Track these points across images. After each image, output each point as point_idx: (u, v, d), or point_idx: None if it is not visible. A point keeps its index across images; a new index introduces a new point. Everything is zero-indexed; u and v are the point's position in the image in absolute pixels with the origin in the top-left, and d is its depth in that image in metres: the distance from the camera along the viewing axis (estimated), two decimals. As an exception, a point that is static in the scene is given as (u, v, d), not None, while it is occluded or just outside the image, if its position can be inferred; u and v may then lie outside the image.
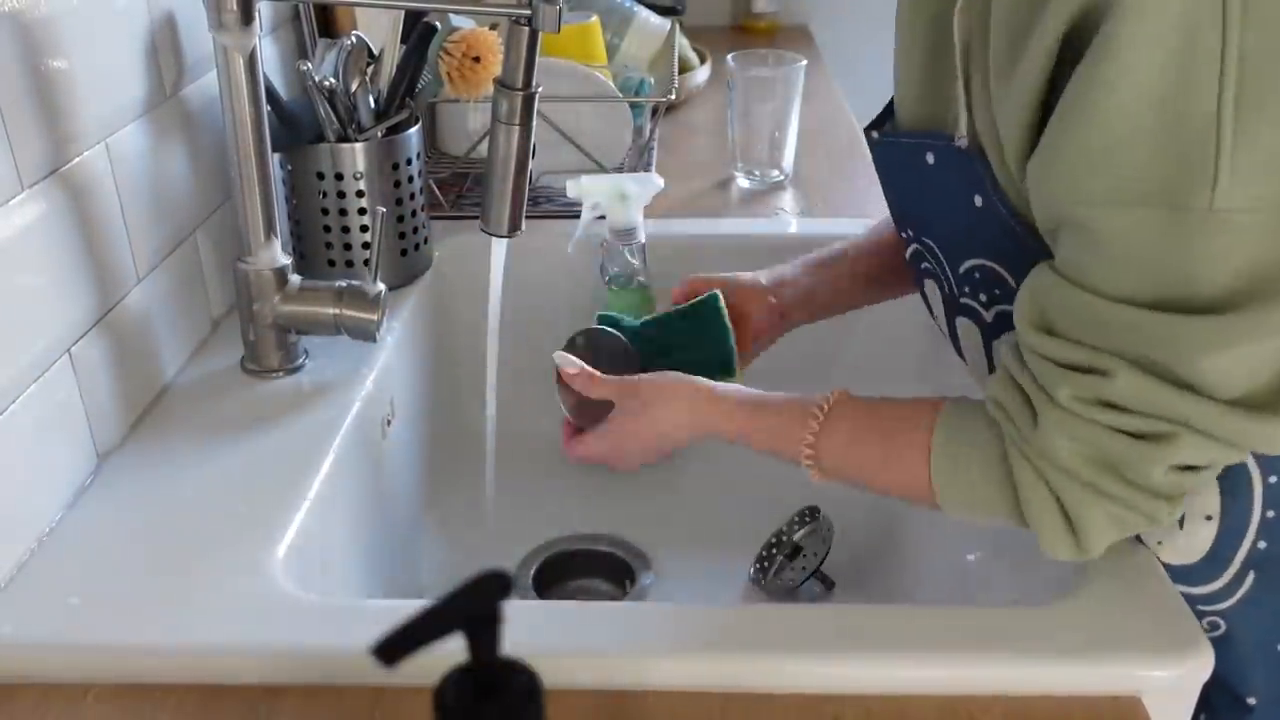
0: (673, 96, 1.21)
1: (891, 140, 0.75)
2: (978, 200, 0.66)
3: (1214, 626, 0.69)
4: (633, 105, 1.27)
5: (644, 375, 0.82)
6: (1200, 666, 0.61)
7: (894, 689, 0.60)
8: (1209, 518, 0.66)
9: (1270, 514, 0.66)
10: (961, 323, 0.76)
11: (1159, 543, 0.68)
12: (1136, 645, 0.61)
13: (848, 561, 0.98)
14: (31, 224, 0.68)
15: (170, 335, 0.86)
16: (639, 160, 1.25)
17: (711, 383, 0.79)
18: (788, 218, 1.18)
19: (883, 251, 0.90)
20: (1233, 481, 0.65)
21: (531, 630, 0.61)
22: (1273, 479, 0.65)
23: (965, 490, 0.65)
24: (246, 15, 0.75)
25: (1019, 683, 0.60)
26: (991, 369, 0.72)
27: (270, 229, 0.83)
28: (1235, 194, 0.51)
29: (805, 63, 1.24)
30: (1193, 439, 0.57)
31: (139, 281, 0.81)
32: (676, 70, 1.34)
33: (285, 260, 0.84)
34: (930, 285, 0.78)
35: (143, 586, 0.65)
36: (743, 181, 1.27)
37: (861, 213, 1.17)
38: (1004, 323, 0.69)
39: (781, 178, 1.26)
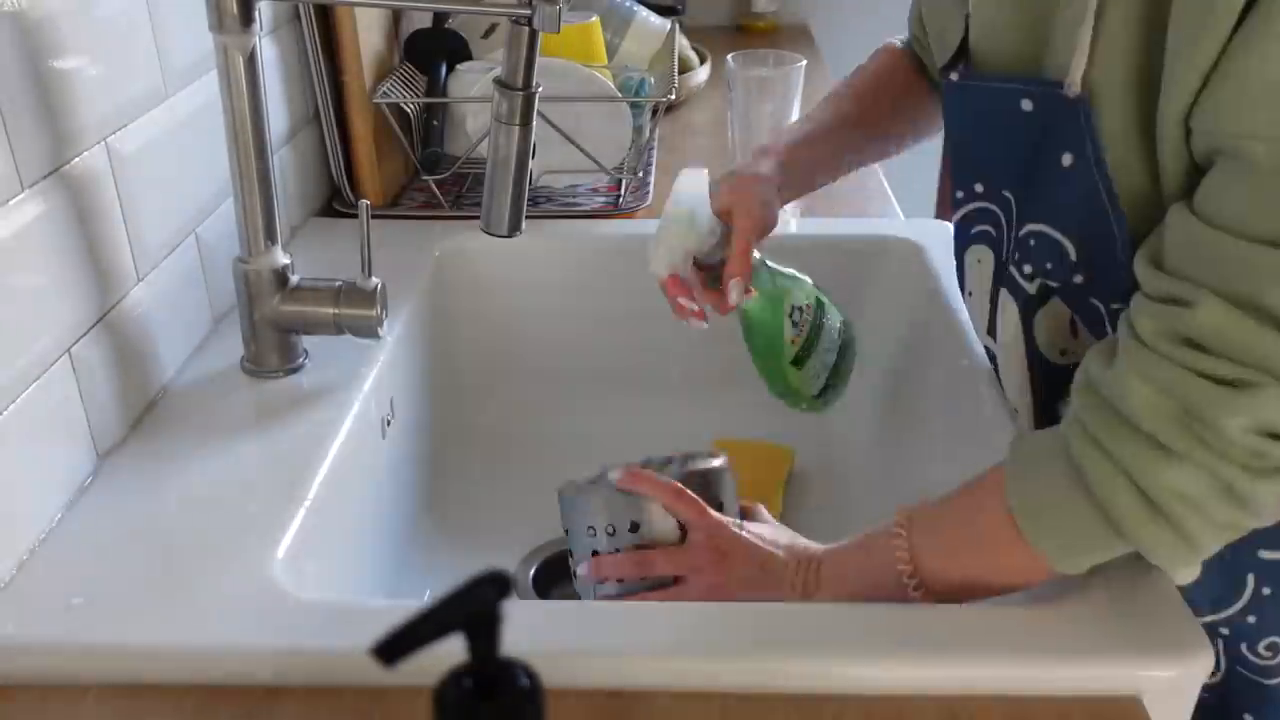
0: (673, 96, 1.21)
1: (979, 84, 0.69)
2: (1066, 159, 0.62)
3: None
4: (633, 105, 1.27)
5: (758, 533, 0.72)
6: (1200, 667, 0.61)
7: (894, 689, 0.60)
8: None
9: None
10: (1003, 295, 0.72)
11: None
12: (1136, 645, 0.61)
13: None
14: (31, 224, 0.68)
15: (170, 335, 0.86)
16: (639, 160, 1.25)
17: (803, 553, 0.70)
18: (787, 218, 1.18)
19: (869, 117, 0.89)
20: None
21: (531, 630, 0.61)
22: None
23: (1059, 531, 0.59)
24: (246, 15, 0.75)
25: (1019, 683, 0.60)
26: (1030, 345, 0.70)
27: (270, 229, 0.83)
28: None
29: (805, 63, 1.24)
30: (1276, 393, 0.51)
31: (139, 281, 0.81)
32: (676, 70, 1.34)
33: (285, 260, 0.84)
34: (980, 252, 0.74)
35: (143, 586, 0.65)
36: (743, 181, 1.26)
37: (861, 212, 1.17)
38: (1046, 296, 0.66)
39: (781, 178, 1.26)
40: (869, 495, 1.04)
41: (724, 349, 0.94)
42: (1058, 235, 0.65)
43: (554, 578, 0.98)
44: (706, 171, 0.84)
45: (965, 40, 0.71)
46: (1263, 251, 0.51)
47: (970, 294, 0.77)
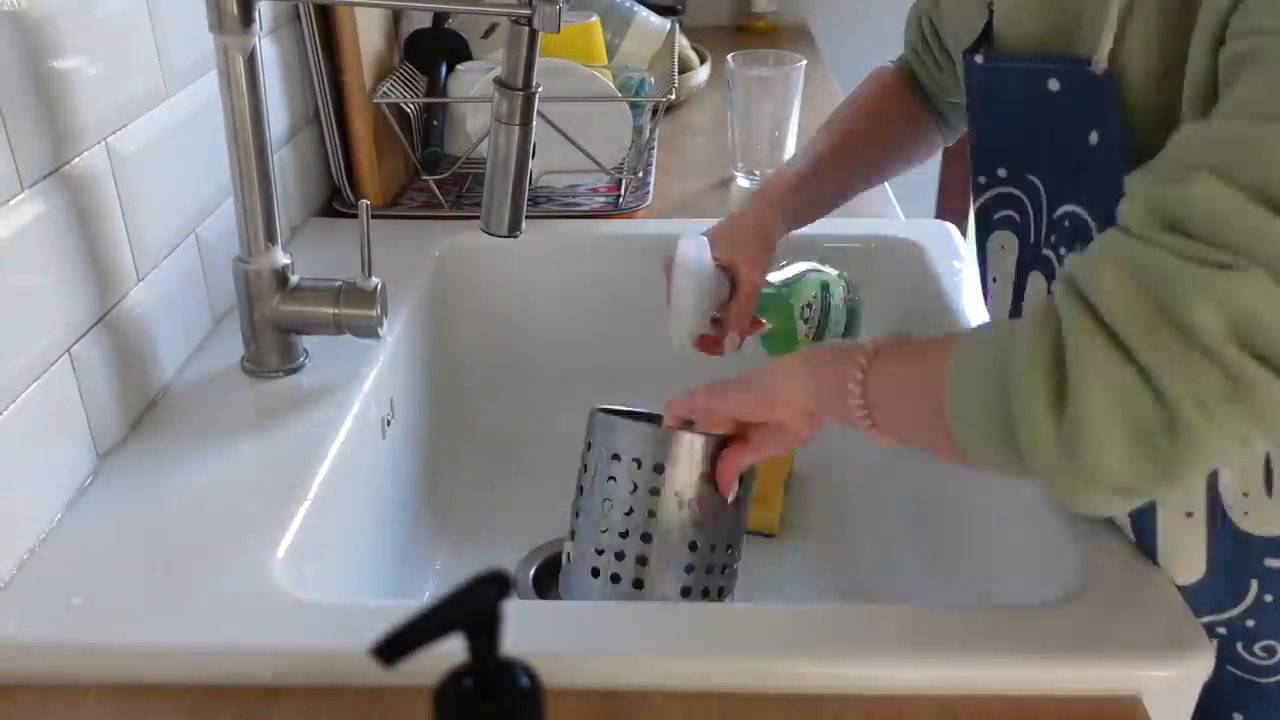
0: (673, 96, 1.21)
1: (1004, 65, 0.68)
2: (1093, 136, 0.61)
3: None
4: (633, 105, 1.27)
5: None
6: (1200, 666, 0.61)
7: (894, 689, 0.60)
8: None
9: None
10: (1033, 280, 0.70)
11: (1245, 514, 0.62)
12: (1136, 645, 0.61)
13: (851, 562, 0.98)
14: (31, 224, 0.68)
15: (170, 335, 0.86)
16: (639, 160, 1.25)
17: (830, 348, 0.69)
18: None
19: (866, 149, 0.90)
20: None
21: (531, 630, 0.61)
22: None
23: (974, 419, 0.54)
24: (246, 15, 0.75)
25: (1019, 683, 0.60)
26: None
27: (270, 229, 0.83)
28: None
29: (805, 63, 1.24)
30: (1260, 280, 0.45)
31: (139, 281, 0.81)
32: (676, 70, 1.34)
33: (285, 260, 0.84)
34: (1003, 238, 0.73)
35: (143, 586, 0.65)
36: (743, 181, 1.27)
37: (861, 213, 1.17)
38: None
39: (781, 178, 1.26)
40: (868, 495, 1.04)
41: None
42: (1087, 214, 0.65)
43: (554, 578, 0.98)
44: (704, 240, 0.86)
45: (988, 29, 0.70)
46: (1275, 130, 0.46)
47: (994, 280, 0.76)
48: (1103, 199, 0.62)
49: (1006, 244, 0.74)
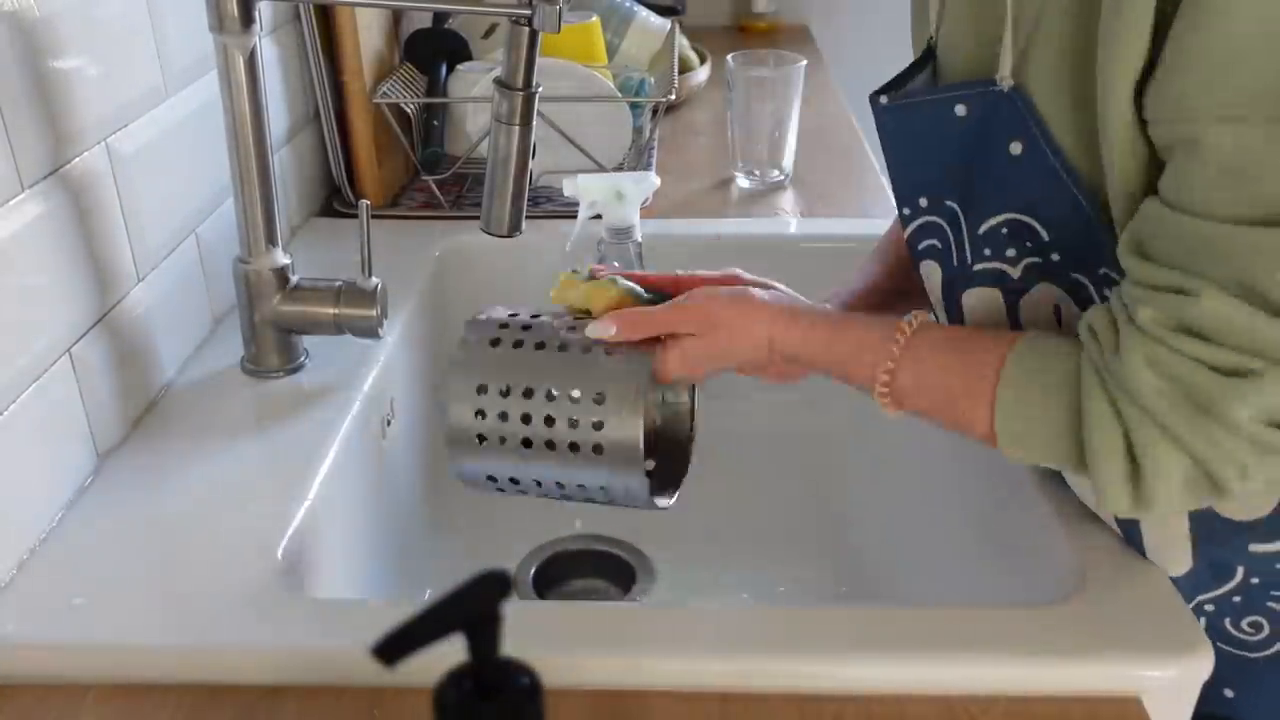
0: (673, 96, 1.21)
1: (910, 101, 0.71)
2: (1015, 148, 0.63)
3: None
4: (633, 105, 1.27)
5: (716, 292, 0.73)
6: (1200, 666, 0.61)
7: (894, 689, 0.60)
8: None
9: None
10: (971, 295, 0.72)
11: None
12: (1136, 645, 0.61)
13: (851, 562, 0.98)
14: (31, 224, 0.68)
15: (170, 335, 0.86)
16: (639, 160, 1.25)
17: (793, 300, 0.72)
18: (788, 218, 1.18)
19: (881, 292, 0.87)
20: None
21: (531, 630, 0.61)
22: None
23: (1027, 421, 0.61)
24: (247, 15, 0.75)
25: (1019, 683, 0.60)
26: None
27: (270, 229, 0.83)
28: None
29: (805, 63, 1.24)
30: (1277, 377, 0.52)
31: (139, 281, 0.81)
32: (676, 70, 1.34)
33: (285, 260, 0.84)
34: (929, 266, 0.76)
35: (143, 586, 0.65)
36: (743, 181, 1.27)
37: (862, 213, 1.17)
38: (1034, 274, 0.67)
39: (781, 178, 1.26)
40: (868, 496, 1.04)
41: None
42: (1026, 218, 0.66)
43: (554, 578, 0.98)
44: None
45: (903, 74, 0.74)
46: (1246, 233, 0.52)
47: (933, 305, 0.78)
48: (1046, 203, 0.64)
49: (931, 272, 0.76)
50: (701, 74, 1.59)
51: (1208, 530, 0.64)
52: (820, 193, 1.24)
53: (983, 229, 0.69)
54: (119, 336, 0.78)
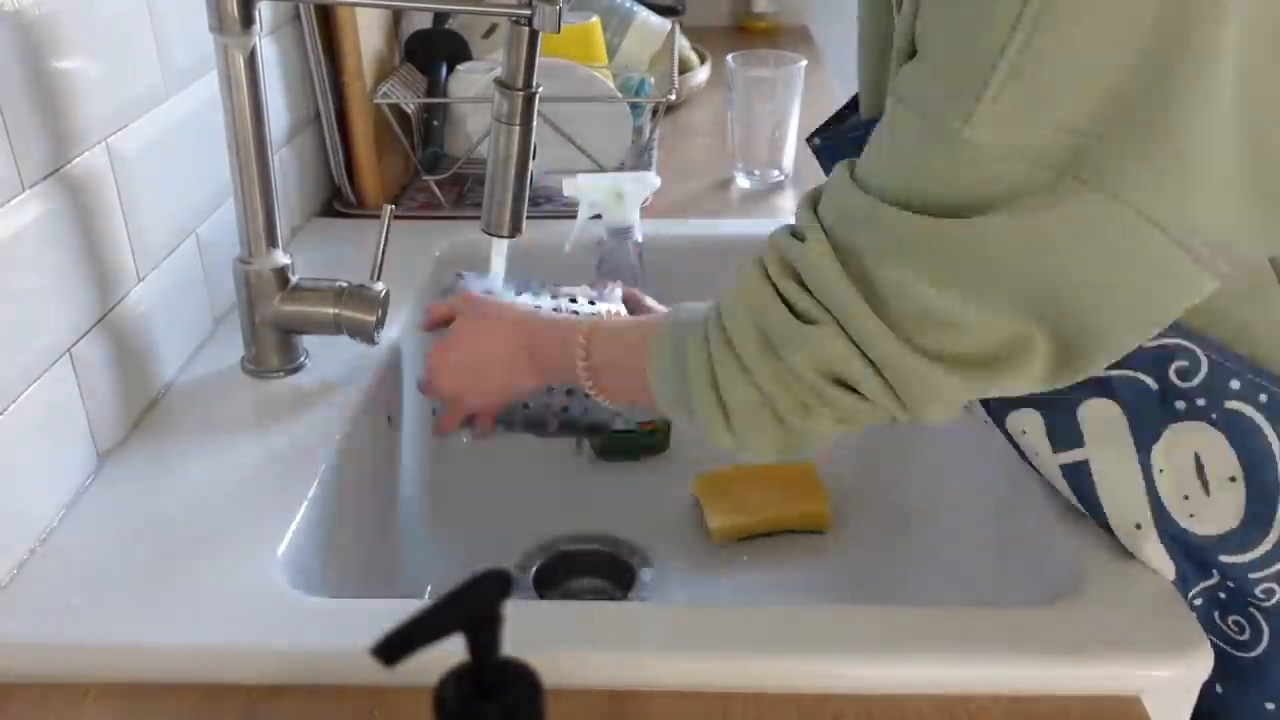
0: (673, 96, 1.21)
1: (838, 136, 0.76)
2: None
3: (1269, 594, 0.65)
4: (633, 105, 1.27)
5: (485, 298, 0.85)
6: (1200, 666, 0.61)
7: (894, 689, 0.60)
8: (1232, 479, 0.63)
9: None
10: None
11: (1190, 515, 0.64)
12: (1136, 645, 0.61)
13: (850, 562, 0.98)
14: (31, 224, 0.68)
15: (170, 335, 0.86)
16: (639, 160, 1.25)
17: (547, 314, 0.83)
18: (788, 218, 1.18)
19: None
20: (1244, 436, 0.61)
21: (531, 630, 0.61)
22: None
23: (661, 372, 0.68)
24: (247, 15, 0.75)
25: (1019, 683, 0.60)
26: None
27: (271, 229, 0.83)
28: (984, 131, 0.52)
29: (805, 63, 1.24)
30: (837, 340, 0.57)
31: (139, 281, 0.81)
32: (676, 70, 1.34)
33: (285, 260, 0.84)
34: None
35: (143, 586, 0.65)
36: (742, 181, 1.27)
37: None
38: None
39: (781, 178, 1.26)
40: (867, 496, 1.04)
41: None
42: None
43: (554, 578, 0.98)
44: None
45: (835, 115, 0.80)
46: (869, 203, 0.56)
47: None
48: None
49: None
50: (701, 74, 1.59)
51: (1177, 540, 0.65)
52: (820, 193, 1.24)
53: None
54: (119, 336, 0.78)
